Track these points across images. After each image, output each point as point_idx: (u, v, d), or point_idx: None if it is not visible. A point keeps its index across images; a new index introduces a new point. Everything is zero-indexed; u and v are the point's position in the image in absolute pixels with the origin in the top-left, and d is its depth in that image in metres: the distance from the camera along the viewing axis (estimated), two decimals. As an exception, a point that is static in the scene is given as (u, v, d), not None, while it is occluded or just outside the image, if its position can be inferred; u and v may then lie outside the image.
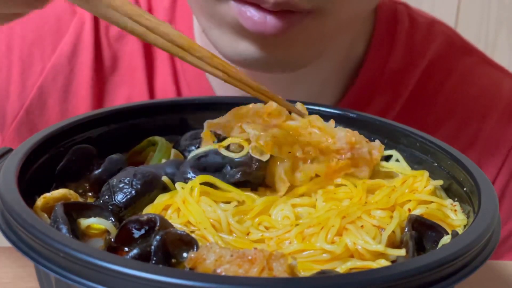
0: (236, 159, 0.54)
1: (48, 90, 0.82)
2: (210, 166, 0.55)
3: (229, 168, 0.55)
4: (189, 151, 0.61)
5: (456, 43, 0.89)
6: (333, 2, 0.63)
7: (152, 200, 0.53)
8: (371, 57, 0.83)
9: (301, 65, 0.69)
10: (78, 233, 0.49)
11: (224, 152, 0.55)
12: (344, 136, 0.56)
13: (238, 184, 0.54)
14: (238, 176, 0.54)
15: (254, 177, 0.55)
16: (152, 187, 0.53)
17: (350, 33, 0.80)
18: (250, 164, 0.54)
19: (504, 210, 0.84)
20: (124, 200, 0.51)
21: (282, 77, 0.78)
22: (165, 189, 0.54)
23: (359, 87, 0.83)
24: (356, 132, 0.57)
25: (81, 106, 0.83)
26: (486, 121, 0.85)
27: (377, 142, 0.59)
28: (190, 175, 0.54)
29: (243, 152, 0.55)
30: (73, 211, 0.49)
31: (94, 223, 0.49)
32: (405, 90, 0.84)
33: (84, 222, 0.49)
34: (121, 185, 0.52)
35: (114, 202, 0.51)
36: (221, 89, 0.82)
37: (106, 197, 0.52)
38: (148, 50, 0.84)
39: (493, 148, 0.84)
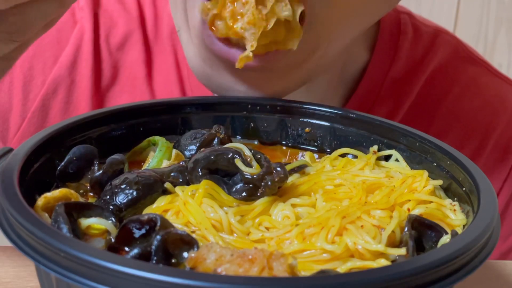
0: (246, 175, 0.53)
1: (49, 102, 0.82)
2: (222, 170, 0.54)
3: (239, 179, 0.53)
4: (189, 151, 0.61)
5: (460, 52, 0.87)
6: (322, 43, 0.61)
7: (153, 203, 0.53)
8: (372, 67, 0.82)
9: (279, 95, 0.65)
10: (78, 233, 0.49)
11: (239, 164, 0.53)
12: None
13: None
14: (243, 195, 0.53)
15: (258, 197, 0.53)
16: (153, 190, 0.53)
17: (341, 58, 0.78)
18: (258, 186, 0.52)
19: (506, 225, 0.83)
20: (125, 201, 0.51)
21: None
22: (166, 192, 0.54)
23: (359, 96, 0.82)
24: None
25: None
26: (490, 133, 0.83)
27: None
28: (198, 174, 0.54)
29: (254, 171, 0.53)
30: (74, 211, 0.49)
31: (94, 223, 0.49)
32: (407, 99, 0.83)
33: (85, 222, 0.49)
34: (123, 186, 0.52)
35: (114, 202, 0.51)
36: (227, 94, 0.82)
37: (108, 197, 0.52)
38: (149, 59, 0.83)
39: (497, 161, 0.83)
